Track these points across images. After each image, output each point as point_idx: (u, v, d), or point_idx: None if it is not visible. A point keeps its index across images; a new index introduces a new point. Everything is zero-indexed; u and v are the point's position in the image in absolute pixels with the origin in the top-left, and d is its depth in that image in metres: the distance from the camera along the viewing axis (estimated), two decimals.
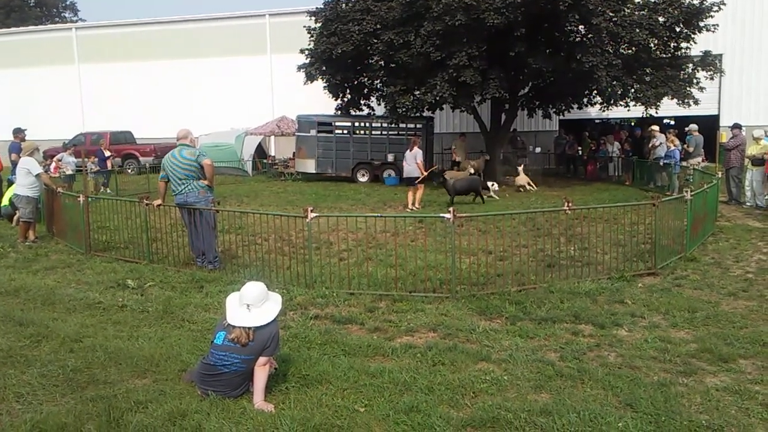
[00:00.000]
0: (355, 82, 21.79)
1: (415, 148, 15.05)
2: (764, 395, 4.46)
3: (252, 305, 4.42)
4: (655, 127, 18.55)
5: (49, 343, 5.54)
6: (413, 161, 14.89)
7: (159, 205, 8.89)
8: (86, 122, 32.49)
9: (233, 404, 4.29)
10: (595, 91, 18.94)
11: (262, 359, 4.35)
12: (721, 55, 23.31)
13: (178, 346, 5.44)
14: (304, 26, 21.16)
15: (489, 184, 16.41)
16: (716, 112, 25.30)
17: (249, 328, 4.35)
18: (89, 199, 10.11)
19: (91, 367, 4.96)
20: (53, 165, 18.62)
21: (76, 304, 6.91)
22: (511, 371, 4.90)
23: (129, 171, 25.38)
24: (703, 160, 16.74)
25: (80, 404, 4.28)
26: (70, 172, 17.68)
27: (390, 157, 21.66)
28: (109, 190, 19.11)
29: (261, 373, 4.34)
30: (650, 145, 18.08)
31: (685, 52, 19.17)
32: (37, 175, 10.82)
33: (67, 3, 62.56)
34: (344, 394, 4.45)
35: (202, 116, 29.25)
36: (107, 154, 20.50)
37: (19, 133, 13.74)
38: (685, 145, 16.66)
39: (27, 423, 4.00)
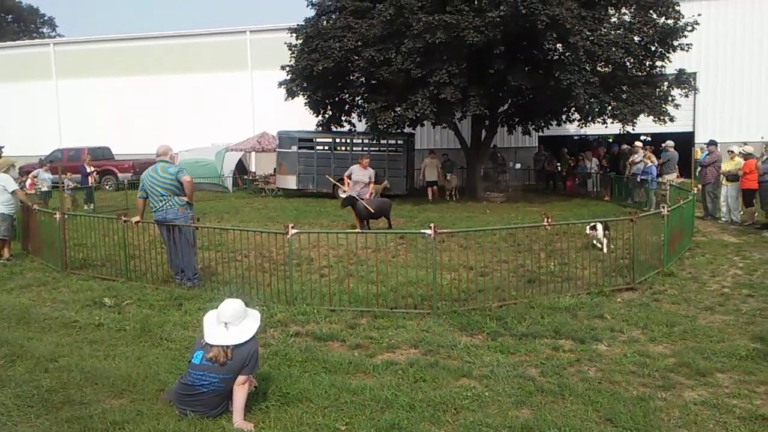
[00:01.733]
0: (336, 99, 21.88)
1: (355, 166, 13.92)
2: (742, 409, 4.51)
3: (230, 323, 4.38)
4: (638, 144, 18.84)
5: (24, 362, 5.43)
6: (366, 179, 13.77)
7: (137, 221, 8.80)
8: (63, 138, 32.18)
9: (212, 424, 4.23)
10: (574, 108, 19.24)
11: (241, 378, 4.30)
12: (695, 73, 23.83)
13: (156, 365, 5.36)
14: (285, 43, 21.24)
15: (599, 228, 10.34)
16: (691, 129, 25.80)
17: (227, 346, 4.31)
18: (65, 216, 9.98)
19: (66, 387, 4.87)
20: (28, 181, 18.35)
21: (52, 323, 6.79)
22: (493, 387, 4.90)
23: (107, 187, 25.10)
24: (677, 177, 17.02)
25: (56, 425, 4.20)
26: (45, 188, 17.44)
27: None
28: (93, 206, 18.84)
29: (240, 391, 4.29)
30: (630, 160, 18.35)
31: (660, 71, 19.58)
32: (13, 192, 10.66)
33: (45, 18, 62.27)
34: (325, 412, 4.42)
35: (182, 132, 29.11)
36: (89, 169, 20.24)
37: None
38: (660, 160, 16.96)
39: None
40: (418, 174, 24.60)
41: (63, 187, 18.09)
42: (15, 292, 8.40)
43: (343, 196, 14.35)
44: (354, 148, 22.38)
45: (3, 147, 13.74)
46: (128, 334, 6.38)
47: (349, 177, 13.96)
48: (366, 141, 21.85)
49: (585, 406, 4.55)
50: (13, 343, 5.94)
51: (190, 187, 8.46)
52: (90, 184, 19.84)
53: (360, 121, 22.32)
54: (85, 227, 10.59)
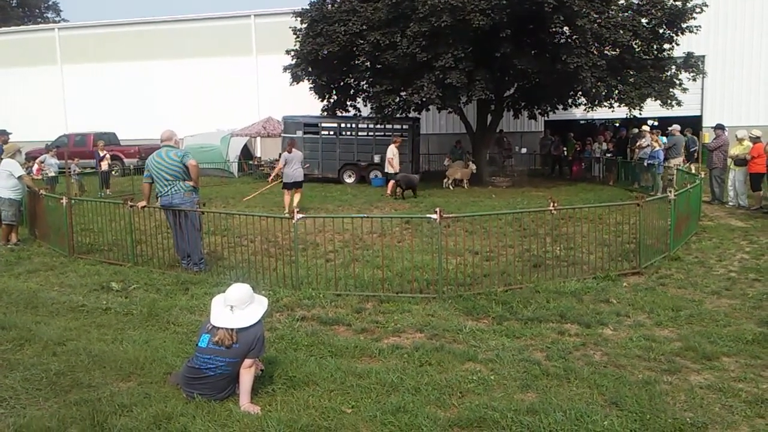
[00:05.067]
0: (342, 83, 21.79)
1: (294, 150, 14.35)
2: (748, 393, 4.50)
3: (235, 307, 4.40)
4: (646, 128, 18.72)
5: (32, 346, 5.47)
6: (298, 164, 14.18)
7: (143, 206, 8.82)
8: (69, 123, 32.18)
9: (219, 406, 4.26)
10: (580, 92, 19.10)
11: (247, 361, 4.32)
12: (703, 56, 23.58)
13: (163, 348, 5.39)
14: (290, 27, 21.11)
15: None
16: (699, 113, 25.59)
17: (232, 329, 4.33)
18: (72, 201, 10.01)
19: (74, 370, 4.91)
20: (35, 167, 18.41)
21: (60, 307, 6.83)
22: (498, 371, 4.91)
23: (113, 173, 25.13)
24: (684, 161, 16.91)
25: (64, 408, 4.23)
26: (52, 174, 17.50)
27: (376, 158, 21.66)
28: (108, 191, 18.88)
29: (246, 375, 4.32)
30: (637, 144, 18.25)
31: (668, 54, 19.41)
32: (20, 177, 10.70)
33: (50, 3, 61.91)
34: (331, 396, 4.44)
35: (187, 117, 29.09)
36: (102, 154, 20.22)
37: (2, 135, 13.58)
38: (666, 144, 16.86)
39: (10, 427, 3.95)
40: (423, 159, 24.54)
41: (70, 172, 18.16)
42: (23, 276, 8.45)
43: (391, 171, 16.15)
44: (359, 133, 22.32)
45: (11, 133, 13.72)
46: (135, 318, 6.42)
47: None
48: (371, 126, 21.78)
49: (590, 389, 4.56)
50: (22, 327, 5.98)
51: (196, 171, 8.46)
52: (104, 169, 19.86)
53: (365, 105, 22.22)
54: (92, 212, 10.63)
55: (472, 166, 20.23)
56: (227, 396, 4.38)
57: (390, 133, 21.76)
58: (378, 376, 4.74)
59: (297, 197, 14.15)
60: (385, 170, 18.51)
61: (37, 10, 60.49)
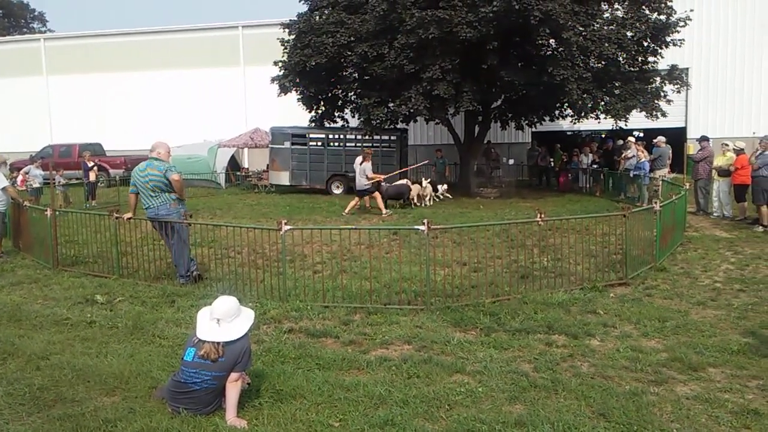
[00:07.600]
0: (329, 95, 21.84)
1: (365, 162, 15.92)
2: (734, 403, 4.53)
3: (222, 320, 4.36)
4: (632, 139, 18.89)
5: (15, 360, 5.40)
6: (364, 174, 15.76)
7: (129, 218, 8.74)
8: (54, 134, 31.96)
9: (205, 421, 4.21)
10: (566, 104, 19.26)
11: (233, 375, 4.29)
12: (687, 68, 23.89)
13: (149, 362, 5.33)
14: (278, 38, 21.16)
15: None
16: (684, 125, 25.89)
17: (218, 343, 4.29)
18: (57, 212, 9.91)
19: (58, 385, 4.84)
20: (20, 178, 18.23)
21: (43, 320, 6.75)
22: (486, 383, 4.91)
23: (99, 184, 24.95)
24: (669, 172, 17.06)
25: (47, 423, 4.17)
26: (37, 185, 17.33)
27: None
28: (94, 203, 18.71)
29: (233, 389, 4.28)
30: (623, 155, 18.41)
31: (652, 66, 19.63)
32: (3, 189, 10.59)
33: (36, 13, 61.73)
34: (318, 409, 4.41)
35: (174, 128, 28.97)
36: (90, 164, 20.05)
37: None
38: (651, 156, 17.02)
39: None
40: (411, 171, 24.54)
41: (55, 183, 17.99)
42: (6, 289, 8.34)
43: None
44: (347, 144, 22.34)
45: None
46: (120, 331, 6.35)
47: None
48: (359, 137, 21.81)
49: (578, 401, 4.56)
50: (4, 340, 5.90)
51: (179, 185, 8.33)
52: (92, 180, 19.69)
53: (353, 116, 22.29)
54: (77, 224, 10.52)
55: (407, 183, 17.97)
56: (213, 410, 4.34)
57: (378, 144, 21.80)
58: (366, 388, 4.72)
59: (376, 200, 15.96)
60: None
61: (23, 21, 60.29)
